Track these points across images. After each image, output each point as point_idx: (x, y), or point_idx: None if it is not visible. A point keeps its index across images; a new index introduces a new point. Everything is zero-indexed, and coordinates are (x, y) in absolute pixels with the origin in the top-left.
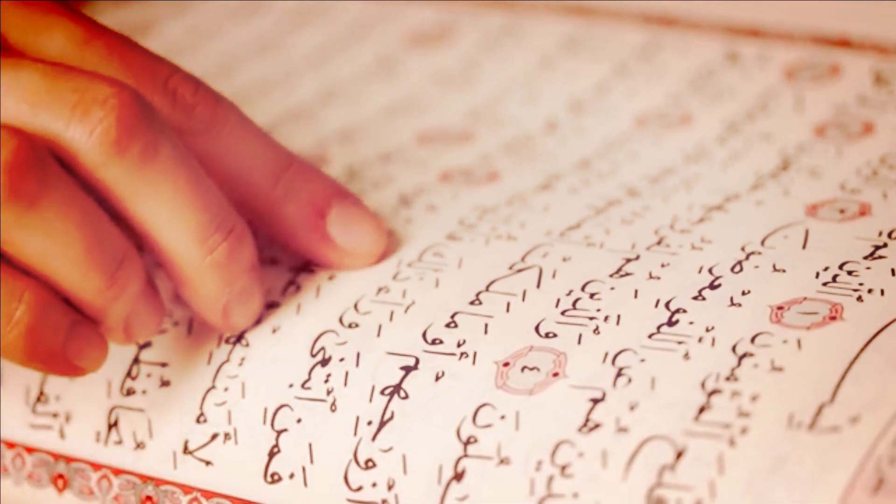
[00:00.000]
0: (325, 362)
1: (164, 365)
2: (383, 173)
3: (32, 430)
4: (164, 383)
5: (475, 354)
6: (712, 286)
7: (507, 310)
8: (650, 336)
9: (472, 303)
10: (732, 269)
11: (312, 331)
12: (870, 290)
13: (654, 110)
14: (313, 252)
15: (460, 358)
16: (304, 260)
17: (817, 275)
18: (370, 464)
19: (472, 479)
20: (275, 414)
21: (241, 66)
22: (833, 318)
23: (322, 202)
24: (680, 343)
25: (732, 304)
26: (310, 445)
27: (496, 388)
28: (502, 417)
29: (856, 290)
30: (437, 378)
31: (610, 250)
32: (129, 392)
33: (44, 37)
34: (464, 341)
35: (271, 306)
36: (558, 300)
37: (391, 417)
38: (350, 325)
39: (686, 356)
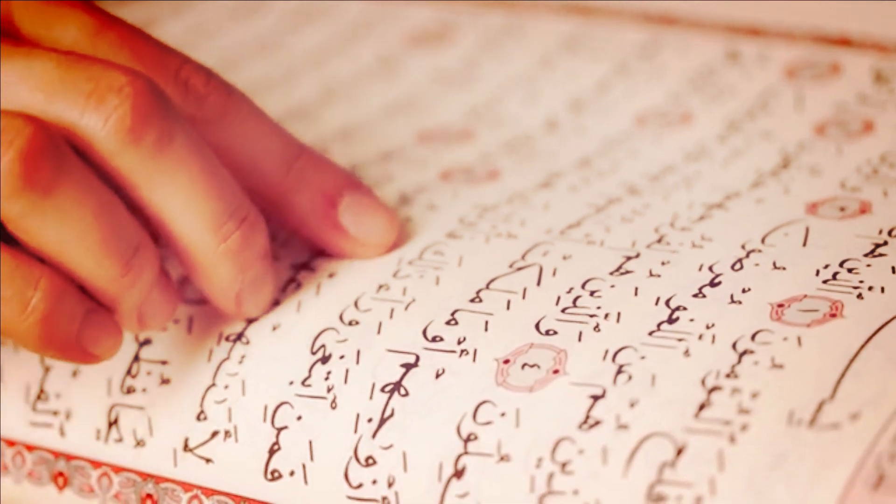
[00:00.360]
0: (325, 360)
1: (164, 363)
2: (384, 172)
3: (32, 428)
4: (165, 381)
5: (475, 352)
6: (713, 284)
7: (508, 307)
8: (650, 333)
9: (472, 300)
10: (733, 267)
11: (313, 328)
12: (870, 288)
13: (655, 109)
14: (325, 241)
15: (460, 355)
16: (306, 257)
17: (818, 272)
18: (370, 461)
19: (473, 476)
20: (275, 411)
21: (242, 66)
22: (833, 316)
23: (333, 191)
24: (680, 340)
25: (733, 301)
26: (310, 443)
27: (496, 386)
28: (502, 415)
29: (856, 288)
30: (438, 375)
31: (610, 248)
32: (130, 390)
33: (56, 28)
34: (464, 339)
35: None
36: (559, 298)
37: (391, 415)
38: (350, 323)
39: (686, 353)
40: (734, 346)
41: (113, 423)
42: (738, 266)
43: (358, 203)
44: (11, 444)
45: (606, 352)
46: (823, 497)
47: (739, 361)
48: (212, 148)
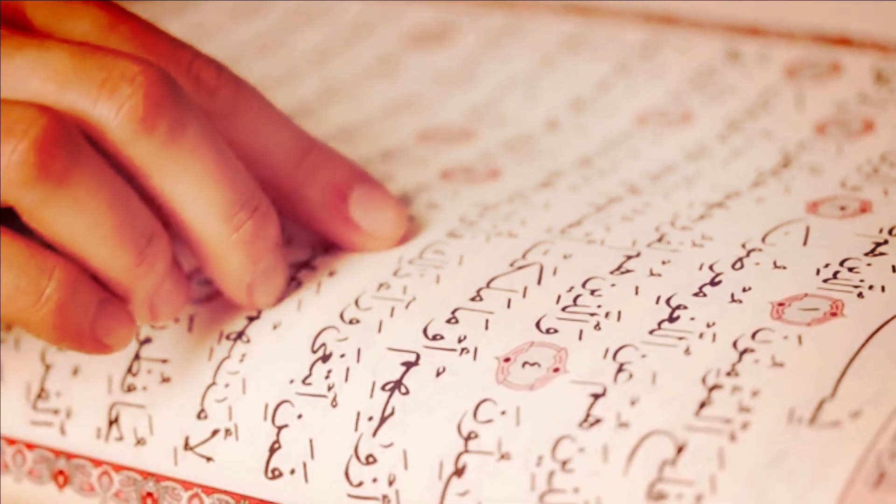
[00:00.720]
0: (325, 358)
1: (164, 361)
2: (384, 171)
3: (33, 427)
4: (165, 379)
5: (476, 350)
6: (713, 283)
7: (508, 306)
8: (651, 332)
9: (472, 299)
10: (733, 266)
11: (313, 327)
12: (870, 287)
13: (655, 108)
14: (335, 234)
15: (461, 353)
16: (307, 255)
17: (818, 271)
18: (371, 459)
19: (473, 474)
20: (275, 410)
21: (243, 65)
22: (834, 315)
23: (344, 185)
24: (681, 339)
25: (733, 300)
26: (310, 441)
27: (497, 384)
28: (503, 413)
29: (856, 287)
30: (438, 374)
31: (611, 247)
32: (130, 388)
33: (69, 21)
34: (464, 337)
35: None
36: (559, 296)
37: (392, 413)
38: (351, 321)
39: (687, 351)
40: (735, 344)
41: (113, 422)
42: (738, 265)
43: (368, 196)
44: (12, 442)
45: (607, 350)
46: (824, 495)
47: (740, 360)
48: (223, 141)
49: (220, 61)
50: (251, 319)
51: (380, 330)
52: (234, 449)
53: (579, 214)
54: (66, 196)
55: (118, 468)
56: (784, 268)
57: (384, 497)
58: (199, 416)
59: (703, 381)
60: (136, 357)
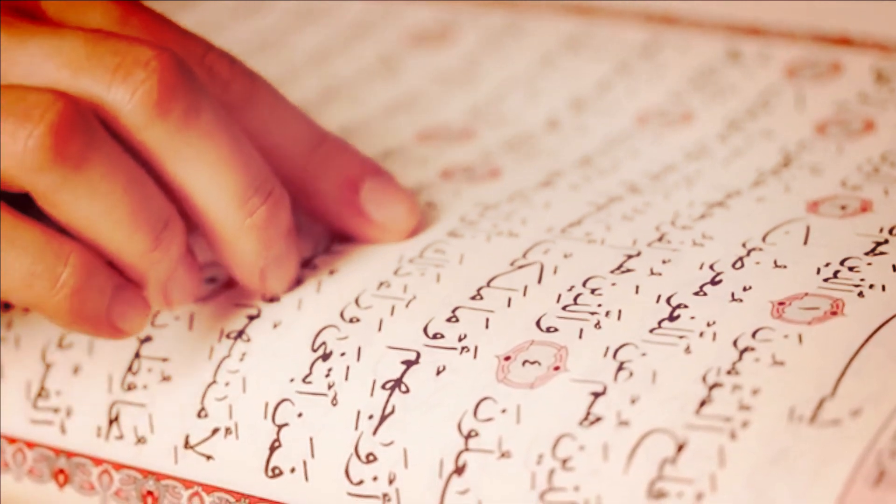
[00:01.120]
0: (326, 357)
1: (165, 360)
2: None
3: (33, 426)
4: (166, 378)
5: (476, 348)
6: (713, 282)
7: (509, 305)
8: (651, 330)
9: (473, 298)
10: (733, 265)
11: (313, 325)
12: (871, 286)
13: (656, 108)
14: (347, 225)
15: (461, 352)
16: (307, 254)
17: (818, 270)
18: (371, 458)
19: (474, 472)
20: (276, 408)
21: None
22: (834, 314)
23: (355, 177)
24: (681, 337)
25: (733, 299)
26: (311, 439)
27: (497, 382)
28: (503, 411)
29: (857, 286)
30: (438, 372)
31: (611, 246)
32: (130, 387)
33: (81, 14)
34: (465, 335)
35: (272, 301)
36: (559, 295)
37: (392, 411)
38: (351, 320)
39: (687, 350)
40: (735, 343)
41: (114, 421)
42: (738, 264)
43: (380, 188)
44: (12, 441)
45: (607, 349)
46: (824, 493)
47: (740, 358)
48: (237, 127)
49: (232, 54)
50: (251, 318)
51: (380, 328)
52: (234, 447)
53: (580, 214)
54: (82, 181)
55: (118, 467)
56: (784, 267)
57: (384, 495)
58: (199, 415)
59: (704, 379)
60: (137, 356)
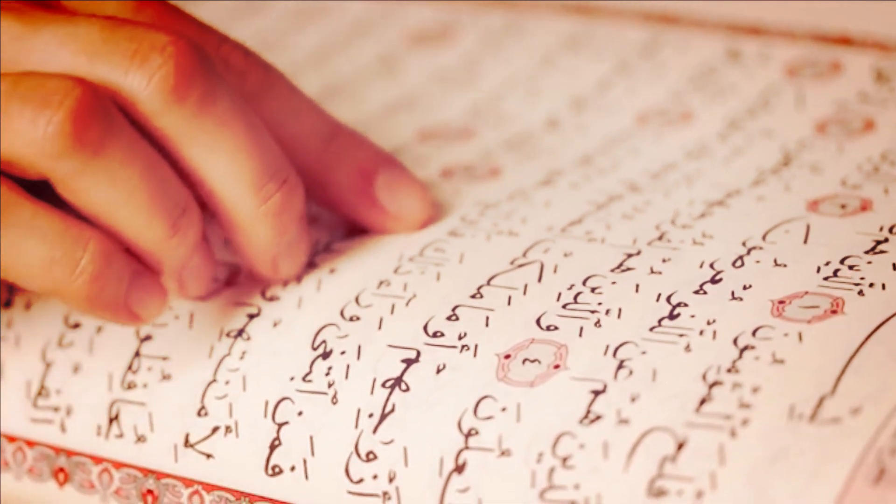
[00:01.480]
0: (326, 355)
1: (165, 358)
2: None
3: (33, 424)
4: (166, 377)
5: (476, 347)
6: (713, 280)
7: (509, 303)
8: (651, 329)
9: (473, 296)
10: (733, 264)
11: (313, 324)
12: (871, 285)
13: (656, 107)
14: (362, 216)
15: (461, 350)
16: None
17: (818, 269)
18: (371, 456)
19: (474, 470)
20: (276, 407)
21: None
22: (834, 312)
23: (370, 168)
24: (681, 336)
25: (734, 298)
26: (311, 438)
27: (497, 381)
28: (503, 409)
29: (857, 285)
30: (439, 370)
31: (611, 245)
32: (130, 385)
33: (96, 5)
34: (465, 334)
35: (272, 299)
36: (559, 294)
37: (392, 410)
38: (351, 318)
39: (687, 348)
40: (735, 341)
41: (114, 419)
42: (738, 263)
43: (394, 179)
44: (12, 440)
45: (607, 347)
46: (824, 491)
47: (740, 357)
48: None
49: (246, 46)
50: (251, 317)
51: (380, 327)
52: (234, 446)
53: (580, 213)
54: (101, 167)
55: (118, 465)
56: (784, 266)
57: (384, 494)
58: (199, 414)
59: (704, 377)
60: (137, 354)
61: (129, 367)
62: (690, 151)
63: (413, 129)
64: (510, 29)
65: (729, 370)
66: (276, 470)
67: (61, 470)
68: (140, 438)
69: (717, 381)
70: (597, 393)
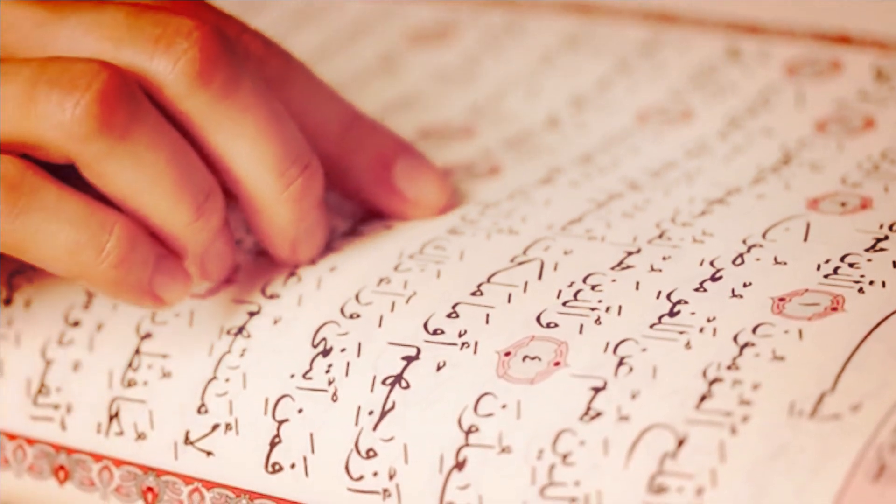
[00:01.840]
0: (326, 353)
1: (165, 356)
2: None
3: (33, 422)
4: (166, 374)
5: (476, 344)
6: (714, 278)
7: (509, 301)
8: (651, 326)
9: (473, 294)
10: (734, 262)
11: (314, 321)
12: (871, 282)
13: (656, 106)
14: (381, 203)
15: (461, 348)
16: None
17: (818, 267)
18: (371, 453)
19: (474, 467)
20: (276, 404)
21: None
22: (834, 309)
23: (388, 155)
24: (681, 333)
25: (734, 295)
26: (311, 435)
27: (497, 378)
28: (503, 406)
29: (857, 282)
30: (439, 368)
31: (611, 243)
32: (131, 383)
33: None
34: (465, 331)
35: (272, 297)
36: (560, 291)
37: (392, 407)
38: (351, 316)
39: (687, 345)
40: (735, 338)
41: (114, 417)
42: (739, 261)
43: (412, 166)
44: (12, 437)
45: (607, 344)
46: (824, 488)
47: (740, 354)
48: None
49: (266, 35)
50: (251, 314)
51: (380, 324)
52: (234, 443)
53: (580, 211)
54: (127, 150)
55: (119, 463)
56: (785, 263)
57: (385, 491)
58: (199, 411)
59: (704, 374)
60: (137, 352)
61: (130, 365)
62: (690, 150)
63: (413, 128)
64: (510, 28)
65: (729, 367)
66: (277, 467)
67: (61, 468)
68: (140, 436)
69: (718, 378)
70: (597, 390)
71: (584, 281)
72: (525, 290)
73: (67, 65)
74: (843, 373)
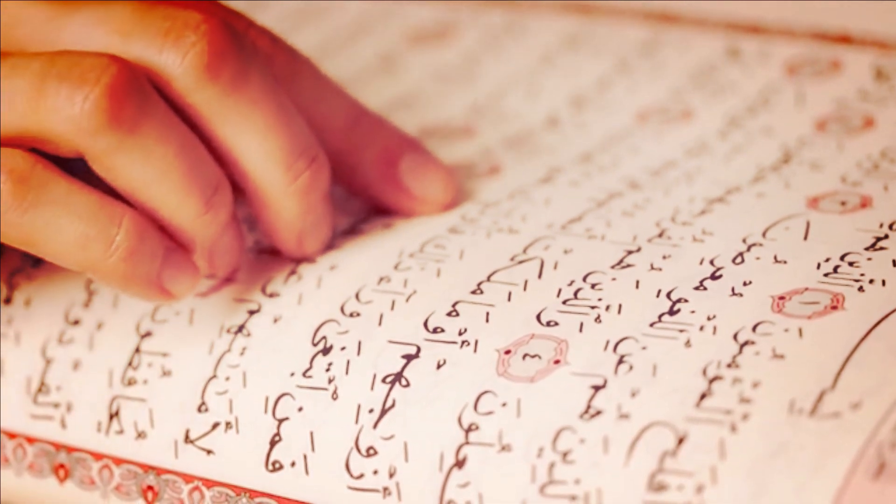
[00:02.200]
0: (326, 351)
1: (165, 355)
2: None
3: (33, 421)
4: (166, 373)
5: (476, 342)
6: (714, 277)
7: (509, 299)
8: (651, 324)
9: (473, 292)
10: (734, 261)
11: (314, 320)
12: (871, 281)
13: (656, 105)
14: (388, 199)
15: (461, 346)
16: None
17: (818, 266)
18: (371, 451)
19: (474, 465)
20: (276, 402)
21: None
22: (834, 308)
23: (394, 151)
24: (681, 331)
25: (734, 294)
26: (311, 434)
27: (497, 376)
28: (503, 404)
29: (857, 281)
30: (439, 366)
31: (611, 242)
32: (131, 382)
33: None
34: (465, 329)
35: (272, 296)
36: (559, 290)
37: (392, 405)
38: (351, 315)
39: (687, 344)
40: (735, 336)
41: (114, 415)
42: (739, 259)
43: (418, 162)
44: (12, 436)
45: (608, 342)
46: (824, 485)
47: (740, 352)
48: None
49: (272, 30)
50: (251, 313)
51: (380, 323)
52: (234, 442)
53: (580, 210)
54: (136, 144)
55: (119, 461)
56: (784, 262)
57: (385, 489)
58: (199, 410)
59: (704, 372)
60: (137, 350)
61: (130, 364)
62: (690, 149)
63: (413, 128)
64: (510, 28)
65: (729, 365)
66: (277, 465)
67: (62, 466)
68: (140, 434)
69: (718, 377)
70: (597, 388)
71: (585, 279)
72: (525, 289)
73: (77, 59)
74: (843, 371)
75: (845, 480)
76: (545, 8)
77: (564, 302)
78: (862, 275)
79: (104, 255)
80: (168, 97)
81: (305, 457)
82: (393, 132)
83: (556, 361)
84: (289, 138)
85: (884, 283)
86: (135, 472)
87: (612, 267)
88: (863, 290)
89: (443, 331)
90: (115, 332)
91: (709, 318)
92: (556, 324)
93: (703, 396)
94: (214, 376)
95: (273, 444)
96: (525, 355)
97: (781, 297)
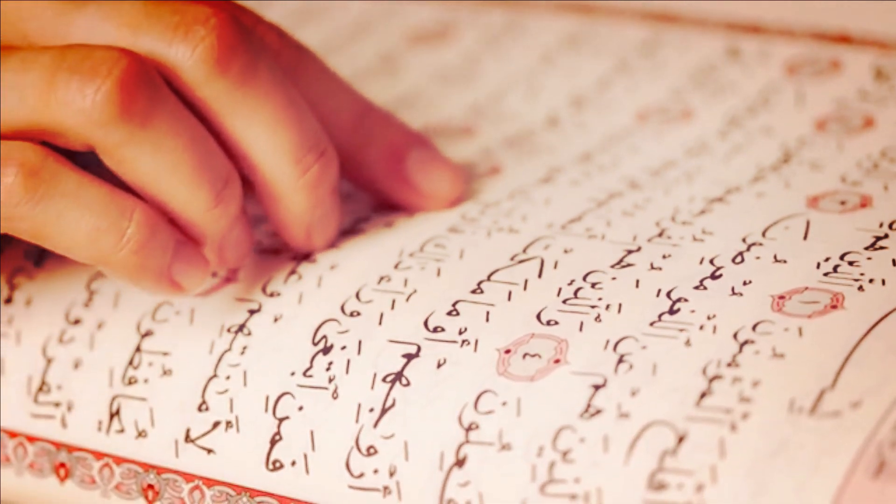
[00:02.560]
0: (326, 350)
1: (165, 354)
2: None
3: (34, 420)
4: (166, 372)
5: (476, 342)
6: (714, 276)
7: (509, 298)
8: (651, 324)
9: (473, 291)
10: (734, 260)
11: (314, 319)
12: (871, 280)
13: (656, 105)
14: (393, 194)
15: (462, 345)
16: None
17: (818, 265)
18: (372, 450)
19: (474, 465)
20: (276, 402)
21: None
22: (834, 307)
23: (401, 146)
24: (681, 330)
25: (734, 293)
26: (311, 433)
27: (497, 375)
28: (504, 404)
29: (857, 280)
30: (439, 365)
31: (611, 242)
32: (131, 381)
33: None
34: (465, 329)
35: (273, 295)
36: (560, 289)
37: (393, 404)
38: (352, 314)
39: (687, 343)
40: (735, 336)
41: (115, 414)
42: (738, 259)
43: (425, 158)
44: (13, 435)
45: (607, 341)
46: (824, 484)
47: (740, 351)
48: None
49: (280, 26)
50: (252, 312)
51: (381, 322)
52: (235, 441)
53: (580, 210)
54: (147, 137)
55: (119, 461)
56: (784, 261)
57: (385, 488)
58: (200, 409)
59: (704, 371)
60: (138, 350)
61: (130, 363)
62: (690, 149)
63: (413, 127)
64: (510, 28)
65: (729, 364)
66: (277, 465)
67: (62, 465)
68: (141, 433)
69: (718, 376)
70: (597, 387)
71: (585, 279)
72: (525, 288)
73: (87, 52)
74: (842, 370)
75: (845, 479)
76: (545, 8)
77: (564, 301)
78: (862, 274)
79: (115, 248)
80: (178, 91)
81: (306, 456)
82: (400, 128)
83: (557, 361)
84: (298, 132)
85: (883, 282)
86: (135, 471)
87: (613, 266)
88: (862, 290)
89: (443, 330)
90: (115, 332)
91: (709, 318)
92: (557, 323)
93: (703, 395)
94: (215, 375)
95: (273, 443)
96: (525, 354)
97: (781, 297)
